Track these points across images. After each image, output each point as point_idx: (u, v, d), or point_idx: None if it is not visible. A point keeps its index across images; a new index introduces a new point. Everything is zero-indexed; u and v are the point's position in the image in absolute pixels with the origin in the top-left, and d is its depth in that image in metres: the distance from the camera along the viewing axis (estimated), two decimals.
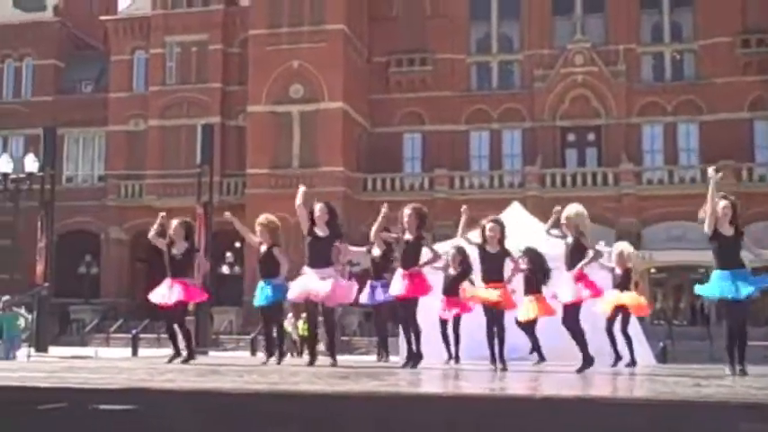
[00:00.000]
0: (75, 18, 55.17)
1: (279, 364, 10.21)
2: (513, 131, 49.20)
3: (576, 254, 10.09)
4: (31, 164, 32.03)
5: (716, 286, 8.65)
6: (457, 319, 12.35)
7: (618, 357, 12.10)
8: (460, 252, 11.92)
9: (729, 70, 45.94)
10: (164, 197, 48.44)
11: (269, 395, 5.41)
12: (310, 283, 9.85)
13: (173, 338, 10.68)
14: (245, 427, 4.93)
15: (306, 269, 10.01)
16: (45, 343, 27.73)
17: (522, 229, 14.80)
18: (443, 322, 12.43)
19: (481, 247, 9.90)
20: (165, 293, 10.32)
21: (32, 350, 23.35)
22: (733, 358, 8.66)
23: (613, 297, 12.00)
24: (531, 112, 48.46)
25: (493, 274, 9.91)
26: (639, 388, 6.85)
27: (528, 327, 12.38)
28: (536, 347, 12.51)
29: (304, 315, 11.34)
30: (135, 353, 27.73)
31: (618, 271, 12.28)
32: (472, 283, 11.58)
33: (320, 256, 9.92)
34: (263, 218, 10.80)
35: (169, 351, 10.94)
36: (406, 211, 10.20)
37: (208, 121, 43.67)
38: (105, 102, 51.66)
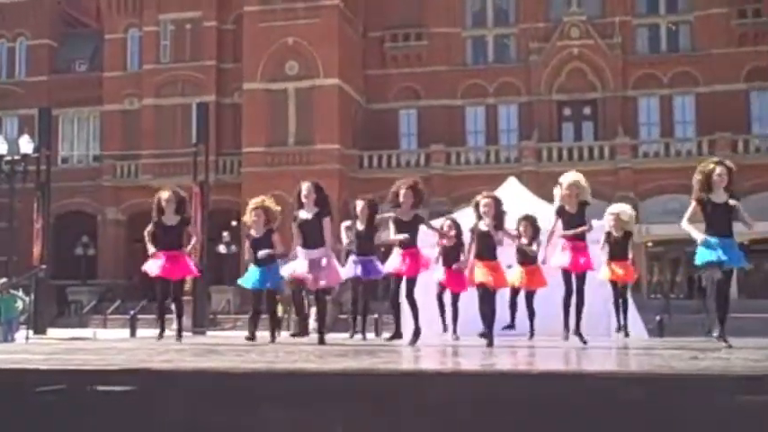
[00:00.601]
0: None
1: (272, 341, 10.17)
2: (509, 106, 49.10)
3: (581, 224, 10.07)
4: (26, 145, 31.97)
5: (702, 253, 8.59)
6: (455, 296, 12.28)
7: (620, 324, 12.22)
8: (454, 223, 11.90)
9: (725, 41, 45.83)
10: (159, 177, 48.31)
11: (267, 374, 5.43)
12: (299, 269, 9.79)
13: (163, 313, 10.64)
14: (243, 406, 4.94)
15: (299, 250, 9.96)
16: (43, 325, 27.80)
17: (519, 204, 14.81)
18: (441, 292, 12.32)
19: (475, 226, 9.80)
20: (159, 265, 10.26)
21: (31, 332, 23.39)
22: (724, 327, 8.60)
23: (607, 271, 11.99)
24: (527, 85, 48.34)
25: (487, 251, 9.72)
26: (636, 362, 6.88)
27: (521, 296, 12.33)
28: (530, 320, 12.46)
29: (279, 296, 11.19)
30: (133, 333, 27.75)
31: (615, 234, 12.15)
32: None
33: (311, 237, 9.77)
34: (258, 200, 10.62)
35: (165, 332, 10.88)
36: (402, 189, 10.11)
37: (203, 99, 43.50)
38: (100, 81, 51.46)
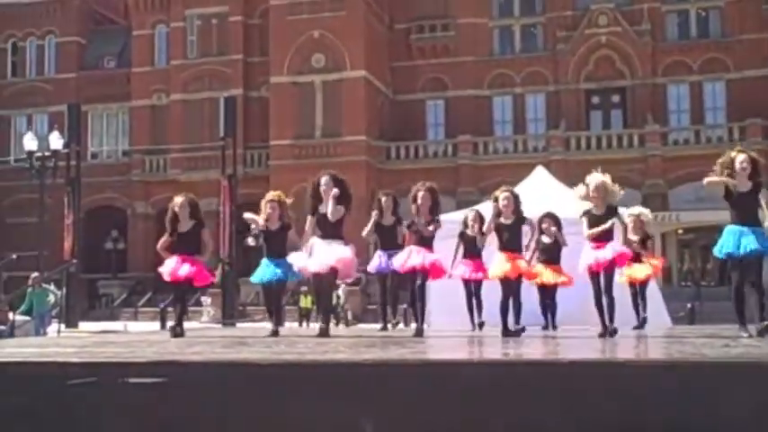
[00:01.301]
0: None
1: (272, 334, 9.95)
2: (537, 95, 48.84)
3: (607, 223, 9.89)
4: (56, 141, 32.25)
5: (722, 243, 8.48)
6: (478, 284, 12.18)
7: (640, 322, 12.17)
8: (478, 215, 11.82)
9: (756, 26, 45.29)
10: (188, 171, 48.67)
11: (297, 365, 5.44)
12: (312, 262, 9.70)
13: (181, 313, 10.59)
14: (273, 397, 4.95)
15: (315, 239, 9.83)
16: (75, 318, 28.02)
17: (548, 194, 14.74)
18: (468, 287, 12.24)
19: (496, 221, 9.78)
20: (174, 268, 10.24)
21: (62, 326, 23.58)
22: (744, 319, 8.48)
23: (628, 271, 11.93)
24: (555, 75, 48.05)
25: (510, 243, 9.76)
26: (668, 350, 6.82)
27: (547, 293, 12.30)
28: (552, 313, 12.42)
29: (305, 288, 11.24)
30: (163, 326, 27.89)
31: (634, 237, 11.99)
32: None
33: (330, 231, 9.64)
34: (275, 193, 10.57)
35: (194, 324, 10.95)
36: (421, 192, 10.00)
37: (230, 93, 43.59)
38: (128, 77, 51.81)
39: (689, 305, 27.99)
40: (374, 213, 11.43)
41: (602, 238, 9.73)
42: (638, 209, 12.53)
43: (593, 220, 9.74)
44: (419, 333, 9.67)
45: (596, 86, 47.94)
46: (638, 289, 12.47)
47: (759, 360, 5.18)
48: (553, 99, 48.16)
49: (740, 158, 8.46)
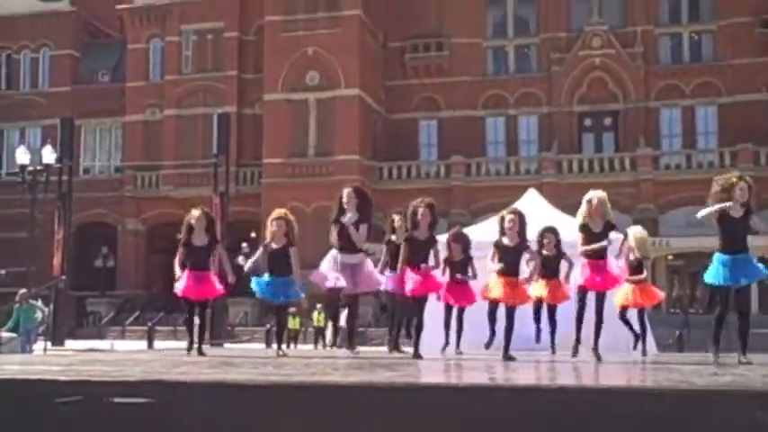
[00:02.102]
0: (91, 7, 55.26)
1: (278, 356, 10.09)
2: (530, 117, 49.01)
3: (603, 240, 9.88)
4: (49, 155, 32.20)
5: (715, 273, 8.54)
6: (461, 309, 12.17)
7: (637, 338, 12.15)
8: (463, 236, 11.83)
9: (748, 51, 45.54)
10: (180, 187, 48.62)
11: (284, 387, 5.41)
12: (333, 279, 9.84)
13: (191, 328, 10.65)
14: (260, 419, 4.93)
15: (334, 252, 9.98)
16: (62, 336, 27.87)
17: (539, 216, 14.74)
18: (449, 309, 12.21)
19: (498, 241, 9.78)
20: (189, 285, 10.28)
21: (49, 343, 23.45)
22: (718, 345, 8.62)
23: (627, 290, 11.90)
24: (548, 96, 48.22)
25: (510, 267, 9.71)
26: (655, 377, 6.82)
27: (540, 312, 12.29)
28: (552, 333, 12.38)
29: (319, 306, 11.32)
30: (151, 345, 27.84)
31: (632, 256, 12.06)
32: (473, 269, 11.54)
33: (349, 243, 9.94)
34: (281, 211, 10.62)
35: (182, 344, 10.93)
36: (420, 209, 10.02)
37: (224, 109, 43.64)
38: (122, 91, 51.82)
39: (677, 332, 27.94)
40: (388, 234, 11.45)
41: (597, 256, 9.80)
42: (633, 228, 12.55)
43: (590, 237, 9.79)
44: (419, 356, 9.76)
45: (589, 109, 48.12)
46: (637, 315, 12.44)
47: (746, 388, 5.18)
48: (546, 121, 48.31)
49: (741, 185, 8.53)
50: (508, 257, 9.69)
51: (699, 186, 43.22)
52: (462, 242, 11.74)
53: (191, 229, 10.36)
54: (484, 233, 12.74)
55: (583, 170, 45.16)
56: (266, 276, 10.41)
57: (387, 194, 46.59)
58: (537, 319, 12.28)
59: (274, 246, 10.33)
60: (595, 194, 9.85)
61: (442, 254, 11.00)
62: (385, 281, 11.04)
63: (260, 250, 10.53)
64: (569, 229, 11.57)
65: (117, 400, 5.10)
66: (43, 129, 50.43)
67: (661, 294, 12.71)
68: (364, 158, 46.39)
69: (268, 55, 47.27)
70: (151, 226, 50.23)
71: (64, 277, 28.63)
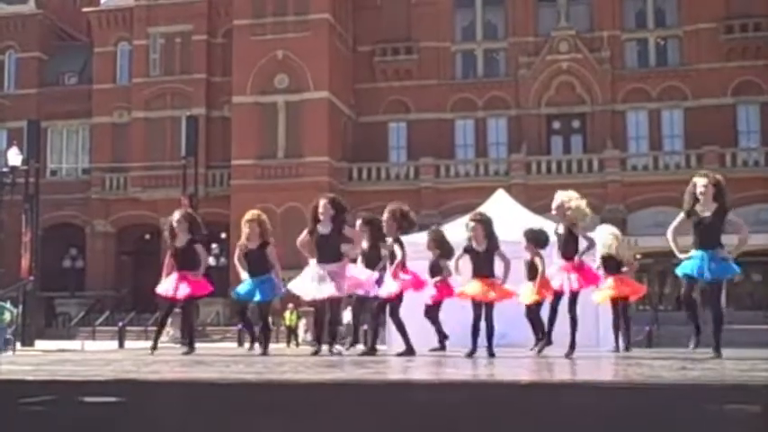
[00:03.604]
0: (57, 10, 54.91)
1: (262, 353, 10.22)
2: (499, 119, 49.27)
3: (569, 243, 10.04)
4: (15, 157, 31.96)
5: (686, 264, 8.68)
6: (438, 304, 12.27)
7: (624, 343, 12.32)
8: (438, 234, 11.94)
9: (713, 56, 46.13)
10: (149, 189, 48.37)
11: (255, 385, 5.40)
12: (315, 290, 9.95)
13: (161, 329, 10.65)
14: (232, 417, 4.91)
15: (312, 263, 10.08)
16: (31, 337, 27.69)
17: (508, 217, 14.83)
18: (434, 307, 12.28)
19: (468, 247, 9.92)
20: (172, 287, 10.27)
21: (18, 344, 23.25)
22: (697, 323, 8.77)
23: (611, 283, 12.06)
24: (517, 99, 48.52)
25: (482, 269, 9.89)
26: (626, 372, 6.87)
27: (532, 311, 12.32)
28: (542, 331, 12.45)
29: (291, 305, 11.40)
30: (121, 345, 27.67)
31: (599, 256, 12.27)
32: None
33: (328, 252, 10.01)
34: (255, 213, 10.67)
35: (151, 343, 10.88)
36: (385, 214, 10.18)
37: (192, 112, 43.58)
38: (89, 94, 51.48)
39: (646, 328, 28.24)
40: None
41: (569, 257, 9.94)
42: (604, 229, 12.73)
43: (560, 238, 9.94)
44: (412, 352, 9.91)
45: (557, 112, 48.49)
46: (620, 309, 12.56)
47: (716, 382, 5.24)
48: (514, 123, 48.59)
49: (701, 182, 8.63)
50: (480, 262, 9.78)
51: (665, 187, 43.93)
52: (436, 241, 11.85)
53: (173, 232, 10.35)
54: (453, 233, 12.80)
55: (551, 171, 45.52)
56: (244, 278, 10.45)
57: (356, 196, 46.63)
58: (531, 322, 12.29)
59: (250, 246, 10.43)
60: (557, 195, 10.05)
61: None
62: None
63: (237, 251, 10.65)
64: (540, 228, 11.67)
65: (87, 399, 5.06)
66: (9, 131, 49.91)
67: (643, 287, 12.88)
68: (334, 160, 46.39)
69: (237, 58, 47.14)
70: (120, 227, 49.97)
71: (32, 278, 28.44)
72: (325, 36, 46.43)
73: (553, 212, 10.07)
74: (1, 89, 53.89)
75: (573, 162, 46.23)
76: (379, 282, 10.73)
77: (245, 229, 10.54)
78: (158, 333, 10.68)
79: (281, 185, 44.72)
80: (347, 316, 11.73)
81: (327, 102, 46.21)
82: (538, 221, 14.06)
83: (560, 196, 10.02)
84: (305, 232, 10.37)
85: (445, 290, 11.89)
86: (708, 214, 8.60)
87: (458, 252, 10.69)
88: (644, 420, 4.57)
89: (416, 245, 12.29)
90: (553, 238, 10.62)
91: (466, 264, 10.28)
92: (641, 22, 48.83)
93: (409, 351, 10.06)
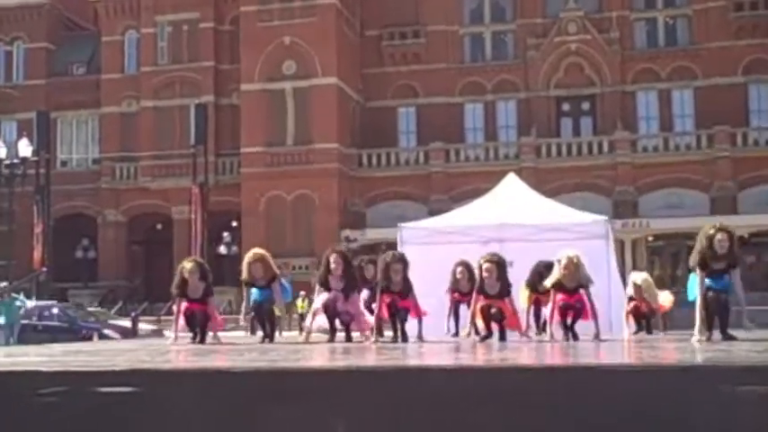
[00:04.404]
0: (65, 0, 54.81)
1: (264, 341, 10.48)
2: (508, 102, 49.07)
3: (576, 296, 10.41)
4: (25, 148, 32.00)
5: (694, 287, 9.00)
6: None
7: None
8: (467, 269, 11.80)
9: (723, 34, 45.77)
10: (159, 178, 48.44)
11: (269, 372, 5.41)
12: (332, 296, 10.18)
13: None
14: (245, 405, 4.93)
15: (324, 296, 10.40)
16: None
17: (519, 200, 14.79)
18: (456, 304, 12.32)
19: (480, 289, 10.02)
20: (187, 307, 10.41)
21: None
22: (707, 323, 8.90)
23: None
24: (525, 82, 48.31)
25: (497, 313, 10.14)
26: (640, 354, 6.87)
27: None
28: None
29: (303, 293, 11.44)
30: (135, 335, 27.72)
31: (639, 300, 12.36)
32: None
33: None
34: (259, 253, 10.74)
35: (165, 332, 10.98)
36: (394, 265, 10.19)
37: (201, 100, 43.56)
38: (98, 83, 51.45)
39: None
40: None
41: (574, 295, 10.31)
42: (637, 275, 12.80)
43: (564, 293, 10.31)
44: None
45: (566, 94, 48.26)
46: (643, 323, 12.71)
47: (728, 364, 5.23)
48: (524, 106, 48.40)
49: (719, 236, 8.76)
50: (493, 302, 10.03)
51: (676, 168, 43.69)
52: (468, 272, 11.76)
53: (184, 282, 10.33)
54: (462, 218, 12.78)
55: (561, 154, 45.36)
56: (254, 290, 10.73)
57: (366, 181, 46.77)
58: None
59: (257, 285, 10.69)
60: (565, 255, 10.16)
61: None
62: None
63: (245, 291, 10.98)
64: (549, 212, 11.65)
65: (102, 389, 5.08)
66: (18, 122, 49.95)
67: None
68: (343, 146, 46.32)
69: (244, 45, 47.03)
70: (131, 217, 50.07)
71: (45, 269, 28.54)
72: (332, 21, 46.26)
73: (563, 271, 10.16)
74: (10, 80, 53.88)
75: (583, 144, 46.03)
76: None
77: (249, 270, 10.59)
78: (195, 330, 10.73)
79: (291, 172, 44.70)
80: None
81: (336, 87, 46.10)
82: (549, 204, 14.03)
83: (572, 256, 10.15)
84: (318, 287, 10.56)
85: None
86: (720, 268, 8.87)
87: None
88: (658, 402, 4.58)
89: (421, 229, 12.25)
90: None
91: None
92: (650, 2, 48.44)
93: (403, 337, 10.13)
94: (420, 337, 10.18)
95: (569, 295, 10.29)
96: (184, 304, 10.38)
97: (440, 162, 46.66)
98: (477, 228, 11.94)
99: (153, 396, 5.02)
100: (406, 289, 10.16)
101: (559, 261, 10.29)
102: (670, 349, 7.02)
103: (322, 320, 10.43)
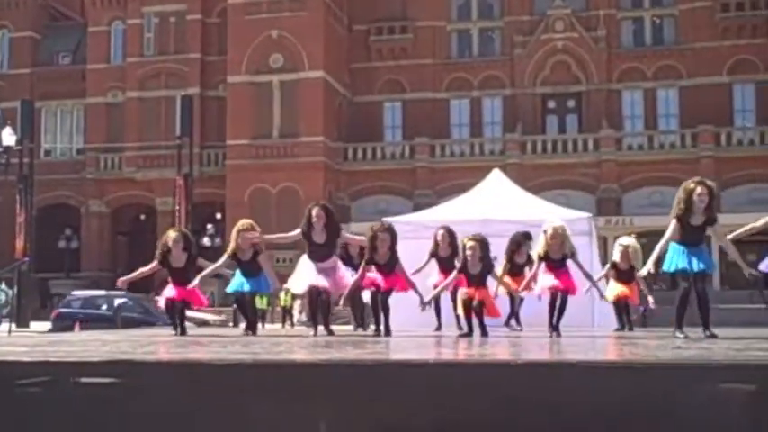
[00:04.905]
0: None
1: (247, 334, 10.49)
2: (494, 99, 49.16)
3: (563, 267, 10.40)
4: (9, 138, 31.85)
5: (673, 260, 8.86)
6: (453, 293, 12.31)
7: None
8: (449, 232, 11.83)
9: (709, 35, 46.00)
10: (143, 169, 48.27)
11: (252, 365, 5.41)
12: (314, 279, 10.08)
13: (175, 321, 10.64)
14: (227, 397, 4.92)
15: (305, 258, 10.28)
16: (26, 318, 27.67)
17: (503, 196, 14.83)
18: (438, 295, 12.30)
19: (462, 268, 9.98)
20: (173, 292, 10.40)
21: (13, 325, 23.24)
22: (681, 322, 8.87)
23: (616, 289, 12.23)
24: (512, 79, 48.40)
25: (477, 283, 10.00)
26: (621, 352, 6.90)
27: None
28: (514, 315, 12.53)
29: (286, 286, 11.38)
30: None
31: (623, 266, 12.38)
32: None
33: (321, 254, 10.20)
34: (247, 223, 10.69)
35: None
36: (380, 234, 10.11)
37: (187, 92, 43.34)
38: (83, 73, 51.24)
39: (641, 308, 28.27)
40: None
41: (559, 268, 10.29)
42: (627, 240, 12.81)
43: (549, 263, 10.30)
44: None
45: (552, 91, 48.37)
46: (622, 308, 12.73)
47: (710, 361, 5.26)
48: (510, 103, 48.49)
49: (699, 190, 8.69)
50: (474, 282, 9.96)
51: (660, 167, 43.85)
52: (450, 238, 11.80)
53: (168, 251, 10.36)
54: (447, 213, 12.80)
55: (546, 151, 45.51)
56: (237, 274, 10.66)
57: (352, 175, 46.79)
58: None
59: (243, 258, 10.56)
60: (551, 225, 10.19)
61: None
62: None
63: (223, 259, 10.72)
64: (533, 208, 11.70)
65: (83, 380, 5.06)
66: (2, 111, 49.65)
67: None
68: (329, 140, 46.30)
69: (231, 37, 46.90)
70: (115, 208, 49.91)
71: (27, 259, 28.40)
72: (320, 15, 46.17)
73: (549, 241, 10.16)
74: None
75: (568, 142, 46.18)
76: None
77: (236, 240, 10.49)
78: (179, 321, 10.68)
79: (277, 165, 44.65)
80: (366, 296, 11.73)
81: (323, 81, 46.04)
82: (533, 201, 14.10)
83: (558, 226, 10.16)
84: (297, 231, 10.42)
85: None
86: (698, 223, 8.75)
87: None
88: (640, 399, 4.60)
89: (408, 223, 12.28)
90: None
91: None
92: (637, 1, 48.64)
93: (386, 332, 10.09)
94: (422, 302, 10.12)
95: (555, 268, 10.27)
96: (168, 291, 10.40)
97: (425, 157, 46.72)
98: (461, 223, 11.97)
99: (134, 387, 5.01)
100: (393, 261, 10.05)
101: (545, 232, 10.27)
102: (652, 346, 7.05)
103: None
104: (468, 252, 9.82)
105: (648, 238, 45.44)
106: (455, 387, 4.80)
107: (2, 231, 33.03)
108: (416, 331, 11.24)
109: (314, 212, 10.13)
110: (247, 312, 11.08)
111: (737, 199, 41.27)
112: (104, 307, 25.92)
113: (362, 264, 10.25)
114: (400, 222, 13.41)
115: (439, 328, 12.20)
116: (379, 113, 49.57)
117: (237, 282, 10.65)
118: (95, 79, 50.83)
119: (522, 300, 12.20)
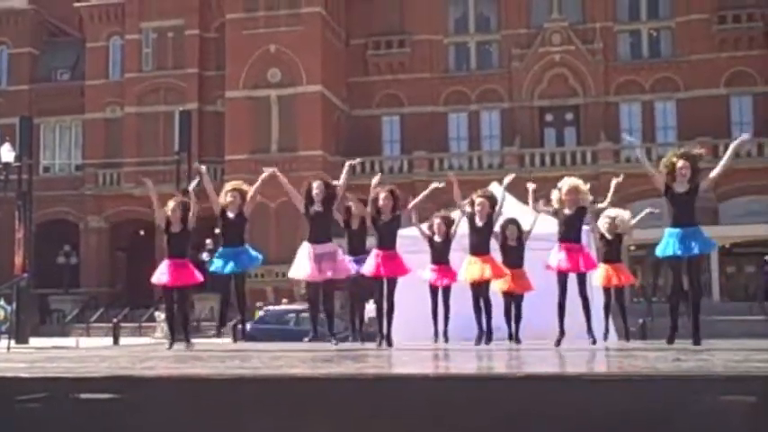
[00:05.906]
0: (49, 5, 54.59)
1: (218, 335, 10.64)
2: (492, 112, 49.22)
3: (576, 227, 10.36)
4: (8, 154, 31.83)
5: (666, 244, 8.82)
6: (446, 291, 12.24)
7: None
8: (446, 219, 12.01)
9: (706, 47, 46.11)
10: (142, 185, 48.21)
11: (251, 380, 5.40)
12: (313, 267, 10.09)
13: (172, 324, 10.65)
14: (227, 412, 4.92)
15: (306, 244, 10.23)
16: (25, 334, 27.57)
17: (502, 210, 14.79)
18: (434, 292, 12.26)
19: (471, 220, 10.18)
20: (165, 273, 10.35)
21: (12, 341, 23.18)
22: (675, 317, 8.87)
23: (604, 272, 12.08)
24: (509, 92, 48.47)
25: (479, 246, 10.45)
26: (620, 364, 6.89)
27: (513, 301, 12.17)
28: (516, 323, 12.36)
29: (259, 303, 11.42)
30: (116, 342, 27.59)
31: (609, 237, 12.26)
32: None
33: (320, 230, 10.25)
34: (237, 183, 10.91)
35: (147, 339, 10.99)
36: (382, 193, 10.27)
37: (185, 107, 43.37)
38: (81, 89, 51.29)
39: (640, 321, 28.25)
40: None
41: (572, 240, 10.02)
42: (615, 211, 12.83)
43: (564, 219, 10.25)
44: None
45: (550, 104, 48.46)
46: (611, 294, 12.59)
47: (711, 374, 5.26)
48: (508, 116, 48.54)
49: (680, 164, 8.76)
50: (477, 237, 10.38)
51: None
52: (446, 226, 11.98)
53: (167, 219, 10.54)
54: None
55: (545, 164, 45.51)
56: (220, 252, 10.78)
57: (351, 189, 46.46)
58: (507, 313, 12.03)
59: (230, 215, 10.70)
60: (565, 182, 10.23)
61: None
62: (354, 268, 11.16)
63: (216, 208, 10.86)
64: (532, 221, 11.72)
65: (83, 396, 5.06)
66: (1, 128, 49.62)
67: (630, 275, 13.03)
68: (328, 154, 46.32)
69: (229, 52, 46.98)
70: (114, 223, 49.86)
71: (26, 275, 28.34)
72: (317, 30, 46.30)
73: (563, 197, 10.06)
74: None
75: (566, 154, 46.20)
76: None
77: (226, 197, 10.76)
78: (172, 328, 10.68)
79: (275, 180, 44.64)
80: (370, 310, 11.81)
81: (320, 96, 46.12)
82: (532, 214, 14.06)
83: (574, 181, 10.19)
84: (301, 198, 10.64)
85: (451, 275, 11.84)
86: (683, 190, 8.79)
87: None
88: (641, 412, 4.59)
89: (411, 237, 12.31)
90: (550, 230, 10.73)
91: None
92: (634, 14, 48.78)
93: (388, 341, 10.13)
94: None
95: (571, 244, 10.18)
96: (161, 272, 10.40)
97: (423, 171, 46.68)
98: (459, 236, 11.96)
99: (134, 403, 5.01)
100: (396, 222, 10.39)
101: (560, 189, 10.25)
102: (651, 358, 7.05)
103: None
104: (478, 207, 10.35)
105: (648, 250, 45.50)
106: (456, 401, 4.79)
107: (1, 247, 33.02)
108: (416, 341, 11.24)
109: (314, 185, 10.41)
110: (227, 303, 11.00)
111: (736, 210, 41.31)
112: (292, 323, 26.11)
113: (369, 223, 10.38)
114: (400, 236, 13.39)
115: (437, 338, 12.22)
116: (377, 127, 49.63)
117: (221, 260, 10.68)
118: (94, 95, 50.90)
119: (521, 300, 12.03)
